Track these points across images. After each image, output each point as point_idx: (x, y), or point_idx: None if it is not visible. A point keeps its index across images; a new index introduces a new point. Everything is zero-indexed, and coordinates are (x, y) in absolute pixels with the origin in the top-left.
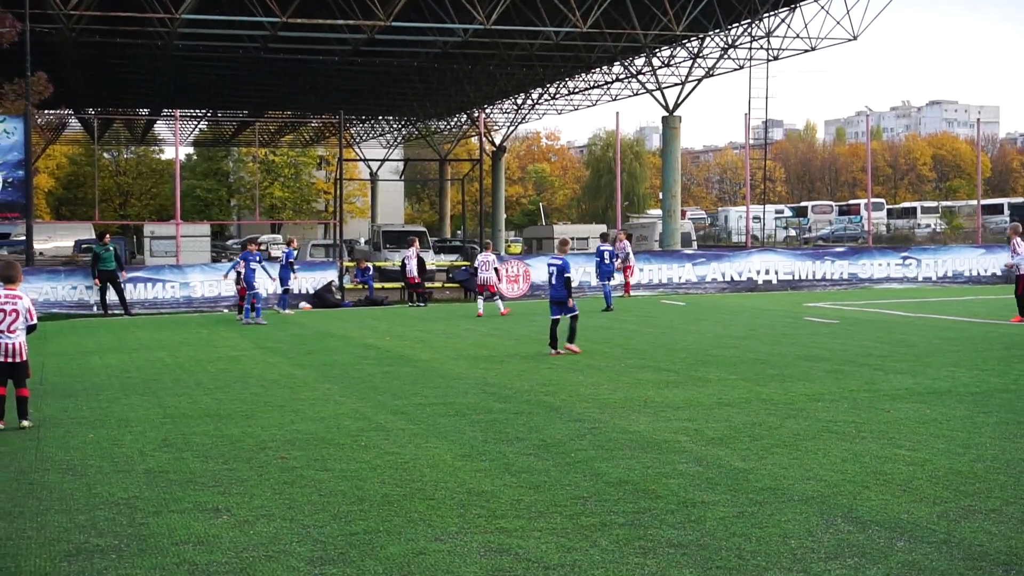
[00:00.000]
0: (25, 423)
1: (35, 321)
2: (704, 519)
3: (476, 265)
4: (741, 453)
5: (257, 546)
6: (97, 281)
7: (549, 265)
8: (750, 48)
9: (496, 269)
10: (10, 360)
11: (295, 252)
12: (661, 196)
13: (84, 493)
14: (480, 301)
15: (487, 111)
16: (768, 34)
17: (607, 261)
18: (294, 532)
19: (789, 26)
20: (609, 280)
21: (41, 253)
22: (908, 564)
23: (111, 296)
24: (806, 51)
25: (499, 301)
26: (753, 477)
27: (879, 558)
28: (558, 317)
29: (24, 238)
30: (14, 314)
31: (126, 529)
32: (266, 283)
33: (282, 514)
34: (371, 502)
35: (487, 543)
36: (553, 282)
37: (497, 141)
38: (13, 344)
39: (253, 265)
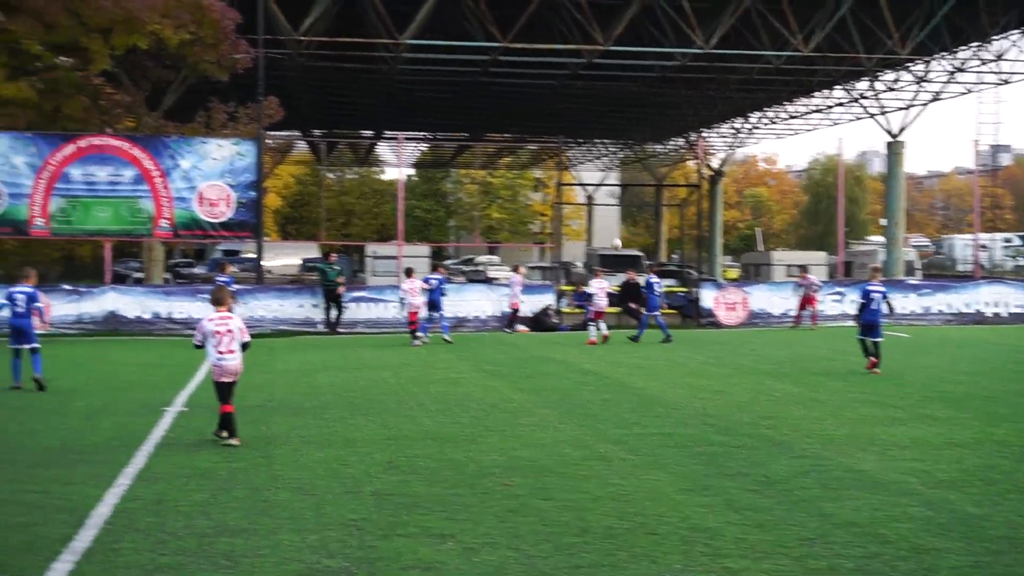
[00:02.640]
0: (223, 435)
1: (248, 339)
2: (937, 568)
3: (400, 295)
4: (974, 498)
5: (483, 575)
6: (342, 288)
7: (871, 292)
8: (979, 72)
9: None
10: (232, 380)
11: (233, 280)
12: (883, 223)
13: (314, 512)
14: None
15: (704, 135)
16: (998, 57)
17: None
18: (519, 562)
19: (1021, 49)
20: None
21: (269, 271)
22: None
23: (333, 313)
24: None
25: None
26: (988, 524)
27: None
28: (865, 339)
29: (252, 256)
30: (229, 335)
31: (355, 551)
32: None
33: (507, 543)
34: (594, 534)
35: None
36: (873, 307)
37: (714, 165)
38: (236, 364)
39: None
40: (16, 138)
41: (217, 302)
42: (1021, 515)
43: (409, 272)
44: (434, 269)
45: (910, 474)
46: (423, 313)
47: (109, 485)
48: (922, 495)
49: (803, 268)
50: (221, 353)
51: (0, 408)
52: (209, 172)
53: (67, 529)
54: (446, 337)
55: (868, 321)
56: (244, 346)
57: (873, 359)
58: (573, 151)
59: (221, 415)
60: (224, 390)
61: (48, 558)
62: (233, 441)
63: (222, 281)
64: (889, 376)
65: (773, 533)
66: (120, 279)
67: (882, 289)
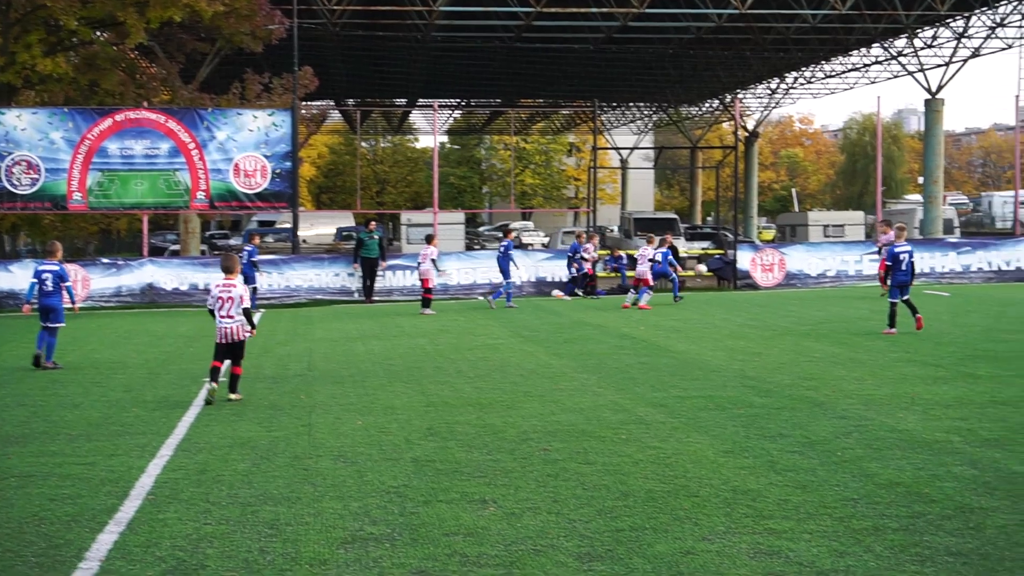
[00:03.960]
0: (232, 396)
1: (247, 305)
2: (984, 526)
3: (419, 259)
4: (1020, 456)
5: (525, 539)
6: (357, 266)
7: (900, 252)
8: (1020, 27)
9: (434, 261)
10: (229, 342)
11: (257, 250)
12: (921, 181)
13: (356, 480)
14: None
15: (740, 96)
16: None
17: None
18: (560, 526)
19: None
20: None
21: (304, 241)
22: None
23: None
24: None
25: (425, 309)
26: None
27: None
28: (897, 300)
29: (288, 226)
30: (230, 301)
31: (397, 518)
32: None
33: (548, 507)
34: (635, 498)
35: (756, 544)
36: (903, 268)
37: (750, 126)
38: (233, 328)
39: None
40: (54, 113)
41: (226, 270)
42: None
43: (429, 239)
44: (505, 235)
45: (953, 433)
46: (436, 282)
47: (152, 456)
48: (966, 454)
49: (886, 222)
50: (221, 317)
51: (43, 384)
52: (244, 143)
53: (112, 500)
54: (492, 303)
55: (901, 281)
56: (245, 312)
57: (920, 316)
58: (607, 115)
59: (211, 367)
60: (220, 350)
61: (94, 529)
62: (212, 384)
63: (248, 251)
64: (930, 335)
65: (816, 494)
66: (157, 252)
67: (909, 248)
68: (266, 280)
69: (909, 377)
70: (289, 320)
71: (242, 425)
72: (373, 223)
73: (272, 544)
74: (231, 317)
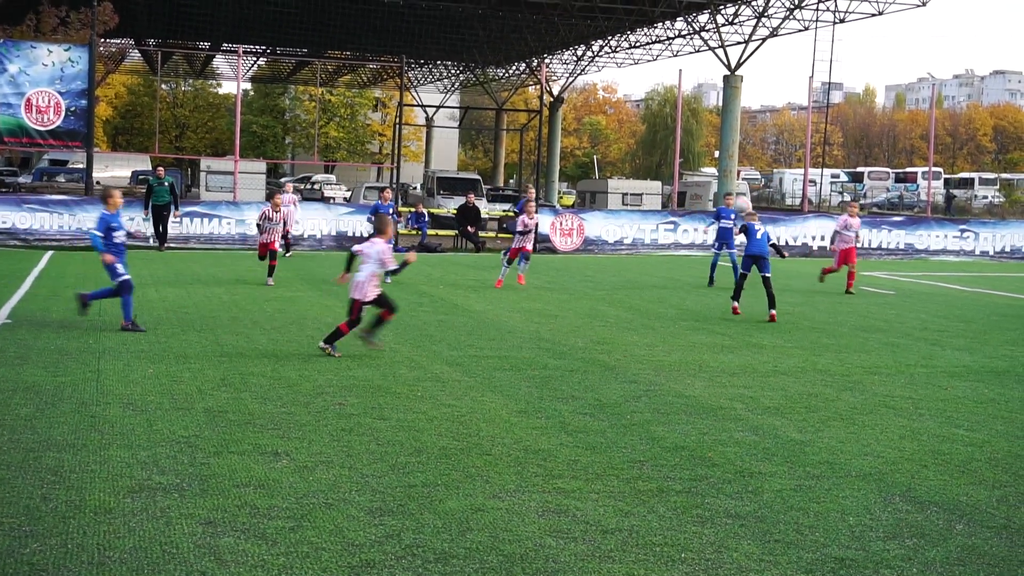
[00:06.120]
0: (324, 346)
1: (391, 266)
2: (761, 490)
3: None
4: (797, 424)
5: (316, 493)
6: (147, 212)
7: (756, 230)
8: (816, 9)
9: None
10: (353, 297)
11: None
12: (717, 155)
13: (145, 429)
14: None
15: (547, 61)
16: None
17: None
18: (353, 481)
19: None
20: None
21: (98, 182)
22: (967, 548)
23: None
24: (873, 15)
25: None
26: (810, 450)
27: (938, 540)
28: (747, 273)
29: (81, 166)
30: (367, 257)
31: (187, 468)
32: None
33: (340, 462)
34: (428, 454)
35: (545, 503)
36: (758, 239)
37: (555, 92)
38: (355, 281)
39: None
40: None
41: (376, 231)
42: (840, 441)
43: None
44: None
45: (737, 400)
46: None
47: None
48: (748, 421)
49: (854, 200)
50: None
51: None
52: (38, 78)
53: None
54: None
55: (757, 253)
56: (389, 272)
57: (737, 306)
58: (414, 71)
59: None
60: (349, 304)
61: None
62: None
63: None
64: (718, 306)
65: (605, 455)
66: None
67: (762, 227)
68: (57, 221)
69: (698, 345)
70: (80, 263)
71: (27, 369)
72: (161, 169)
73: (55, 491)
74: (359, 271)
